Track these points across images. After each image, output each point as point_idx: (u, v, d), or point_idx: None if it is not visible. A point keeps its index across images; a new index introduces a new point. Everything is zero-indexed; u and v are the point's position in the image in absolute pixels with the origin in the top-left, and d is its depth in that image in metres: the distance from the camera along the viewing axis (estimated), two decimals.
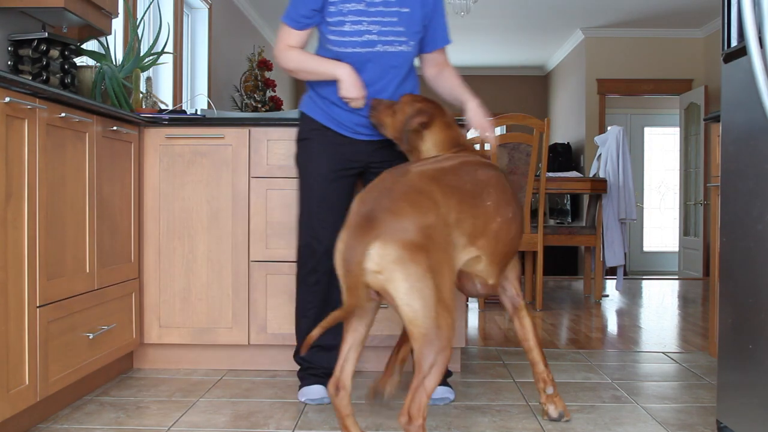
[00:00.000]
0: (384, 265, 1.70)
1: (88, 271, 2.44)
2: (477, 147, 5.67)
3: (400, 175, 1.88)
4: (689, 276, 7.89)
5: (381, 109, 2.37)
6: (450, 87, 2.56)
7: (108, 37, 3.37)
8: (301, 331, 2.57)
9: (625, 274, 6.37)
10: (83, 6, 2.92)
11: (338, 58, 2.40)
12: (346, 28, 2.38)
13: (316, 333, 1.81)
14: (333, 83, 2.43)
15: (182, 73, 5.27)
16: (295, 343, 2.75)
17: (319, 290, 2.51)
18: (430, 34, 2.51)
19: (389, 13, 2.39)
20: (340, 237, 1.82)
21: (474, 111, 2.45)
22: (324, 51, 2.46)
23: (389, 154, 2.50)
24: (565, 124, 9.37)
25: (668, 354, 3.41)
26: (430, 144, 2.28)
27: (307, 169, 2.51)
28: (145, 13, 3.72)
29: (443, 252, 1.79)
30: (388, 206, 1.75)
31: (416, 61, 2.58)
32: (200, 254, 2.92)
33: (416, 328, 1.73)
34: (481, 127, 2.44)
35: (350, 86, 2.36)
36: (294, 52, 2.45)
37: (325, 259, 2.47)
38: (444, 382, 2.53)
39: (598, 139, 5.73)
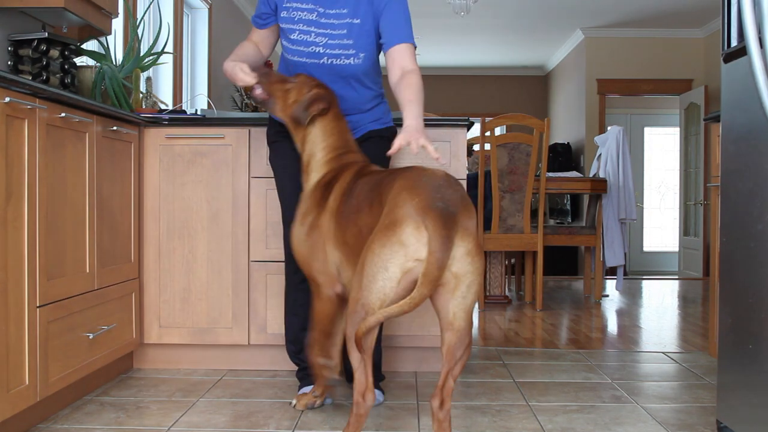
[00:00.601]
0: (457, 257, 1.72)
1: (88, 271, 2.44)
2: (476, 147, 5.68)
3: (445, 176, 1.86)
4: (689, 276, 7.89)
5: (272, 81, 2.31)
6: (400, 101, 2.24)
7: (108, 37, 3.37)
8: (292, 327, 2.58)
9: (625, 274, 6.37)
10: (83, 6, 2.92)
11: (289, 65, 2.42)
12: (295, 36, 2.38)
13: (374, 320, 1.73)
14: (307, 72, 2.41)
15: (182, 73, 5.27)
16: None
17: (307, 288, 2.50)
18: (383, 33, 2.34)
19: (339, 25, 2.34)
20: (415, 232, 1.73)
21: (404, 130, 2.08)
22: (282, 57, 2.48)
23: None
24: (565, 124, 9.37)
25: (668, 354, 3.41)
26: (318, 130, 2.27)
27: (281, 170, 2.51)
28: (145, 13, 3.72)
29: None
30: (461, 202, 1.79)
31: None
32: (200, 254, 2.92)
33: (458, 321, 1.77)
34: (408, 140, 2.04)
35: (236, 78, 2.33)
36: (240, 45, 2.51)
37: None
38: (376, 385, 2.53)
39: (598, 139, 5.74)
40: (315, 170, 2.27)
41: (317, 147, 2.27)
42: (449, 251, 1.68)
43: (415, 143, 2.01)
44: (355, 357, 1.80)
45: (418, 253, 1.71)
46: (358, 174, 2.17)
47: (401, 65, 2.29)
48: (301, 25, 2.37)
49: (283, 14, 2.40)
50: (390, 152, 2.04)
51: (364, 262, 1.78)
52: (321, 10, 2.35)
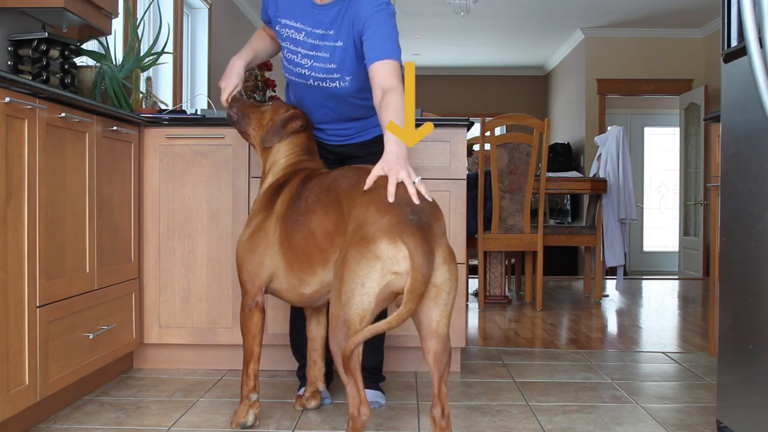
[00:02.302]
0: (437, 266, 1.73)
1: (88, 271, 2.44)
2: (476, 147, 5.68)
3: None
4: (689, 276, 7.89)
5: (246, 104, 2.39)
6: (380, 123, 2.07)
7: (108, 37, 3.37)
8: (294, 324, 2.60)
9: (625, 274, 6.37)
10: (83, 6, 2.92)
11: (288, 80, 2.43)
12: (285, 54, 2.36)
13: (361, 337, 1.71)
14: (300, 93, 2.42)
15: (182, 73, 5.27)
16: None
17: None
18: (364, 51, 2.20)
19: (324, 47, 2.28)
20: (391, 246, 1.71)
21: (384, 157, 1.93)
22: None
23: (365, 152, 2.50)
24: (565, 124, 9.37)
25: (668, 354, 3.41)
26: (286, 143, 2.30)
27: None
28: (145, 13, 3.72)
29: None
30: (431, 210, 1.79)
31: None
32: (200, 254, 2.92)
33: (442, 328, 1.77)
34: (387, 170, 1.87)
35: (222, 77, 2.42)
36: (257, 32, 2.59)
37: None
38: (377, 387, 2.54)
39: (598, 139, 5.74)
40: (272, 174, 2.29)
41: (280, 154, 2.31)
42: (433, 264, 1.69)
43: (394, 178, 1.82)
44: (343, 372, 1.76)
45: (395, 266, 1.70)
46: (306, 178, 2.17)
47: (381, 84, 2.12)
48: (289, 43, 2.33)
49: (276, 28, 2.37)
50: (366, 187, 1.86)
51: (341, 279, 1.75)
52: (308, 29, 2.29)
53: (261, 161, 2.38)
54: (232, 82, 2.41)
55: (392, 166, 1.86)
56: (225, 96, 2.40)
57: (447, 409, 1.79)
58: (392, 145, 1.94)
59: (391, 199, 1.78)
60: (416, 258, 1.67)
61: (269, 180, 2.29)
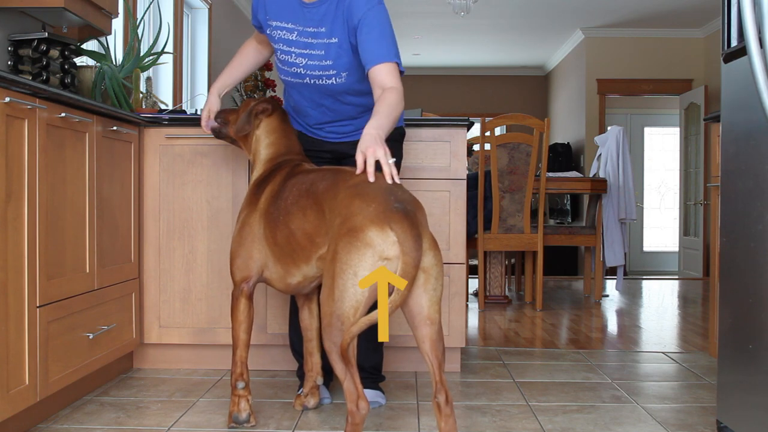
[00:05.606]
0: (424, 251, 1.76)
1: (88, 271, 2.44)
2: (476, 147, 5.68)
3: (383, 180, 1.90)
4: (689, 276, 7.89)
5: (226, 112, 2.50)
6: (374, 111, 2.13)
7: (108, 37, 3.37)
8: (293, 324, 2.60)
9: (625, 274, 6.37)
10: (83, 6, 2.92)
11: (284, 81, 2.47)
12: (278, 55, 2.38)
13: (356, 329, 1.70)
14: (296, 94, 2.43)
15: (182, 73, 5.27)
16: None
17: None
18: (361, 53, 2.21)
19: (318, 45, 2.28)
20: (380, 232, 1.73)
21: (362, 139, 1.97)
22: None
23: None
24: (565, 124, 9.37)
25: (668, 354, 3.41)
26: (262, 130, 2.38)
27: None
28: (145, 13, 3.72)
29: None
30: (412, 200, 1.85)
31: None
32: (200, 254, 2.92)
33: (434, 314, 1.78)
34: (364, 150, 1.93)
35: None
36: (242, 47, 2.65)
37: None
38: (376, 386, 2.54)
39: (598, 139, 5.74)
40: (257, 168, 2.36)
41: (261, 144, 2.37)
42: (421, 249, 1.72)
43: (371, 157, 1.88)
44: (339, 368, 1.75)
45: (386, 251, 1.72)
46: (288, 175, 2.21)
47: (381, 84, 2.16)
48: (282, 44, 2.34)
49: (267, 31, 2.38)
50: (358, 171, 1.92)
51: (333, 275, 1.75)
52: (300, 28, 2.30)
53: (246, 154, 2.46)
54: (206, 110, 2.55)
55: (369, 145, 1.92)
56: (203, 123, 2.55)
57: (450, 395, 1.79)
58: (370, 128, 2.00)
59: (371, 178, 1.87)
60: (405, 242, 1.70)
61: (254, 175, 2.35)
